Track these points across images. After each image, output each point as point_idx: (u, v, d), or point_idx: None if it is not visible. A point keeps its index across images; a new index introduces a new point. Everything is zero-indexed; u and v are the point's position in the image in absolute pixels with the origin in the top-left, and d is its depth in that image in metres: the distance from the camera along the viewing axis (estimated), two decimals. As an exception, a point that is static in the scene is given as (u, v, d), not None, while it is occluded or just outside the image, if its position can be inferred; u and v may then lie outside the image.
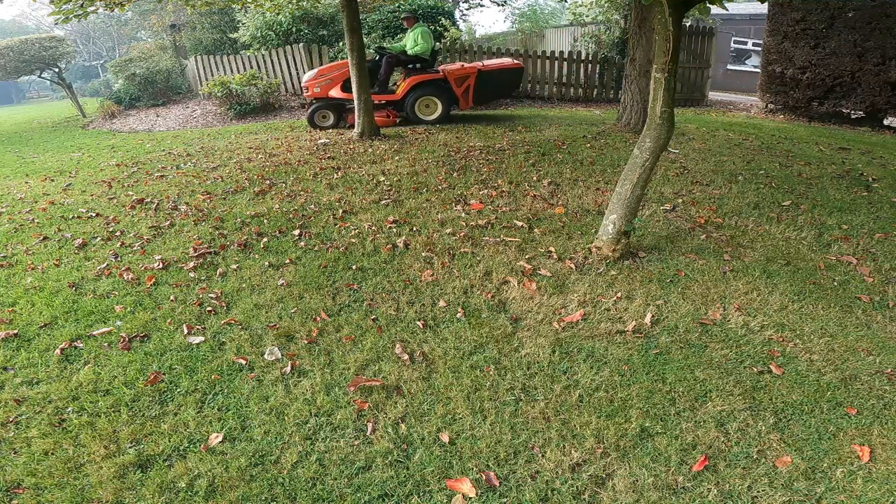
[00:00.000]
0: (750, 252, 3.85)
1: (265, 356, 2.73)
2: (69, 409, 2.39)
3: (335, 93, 8.15)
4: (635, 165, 3.57)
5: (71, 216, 4.63)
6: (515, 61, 9.02)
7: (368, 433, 2.24)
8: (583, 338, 2.88)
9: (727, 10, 3.77)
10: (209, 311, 3.13)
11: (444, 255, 3.75)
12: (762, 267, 3.63)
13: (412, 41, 7.94)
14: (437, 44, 11.09)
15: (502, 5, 19.44)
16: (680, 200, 4.78)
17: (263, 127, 9.15)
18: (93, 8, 5.98)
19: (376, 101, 8.19)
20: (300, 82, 10.25)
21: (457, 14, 17.80)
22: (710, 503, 1.95)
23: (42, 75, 14.45)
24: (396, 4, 11.21)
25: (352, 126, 8.18)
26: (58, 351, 2.76)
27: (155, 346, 2.82)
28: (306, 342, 2.85)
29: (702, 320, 3.04)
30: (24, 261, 3.82)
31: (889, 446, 2.18)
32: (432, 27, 11.39)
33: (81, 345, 2.83)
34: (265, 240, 4.04)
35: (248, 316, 3.09)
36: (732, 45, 16.01)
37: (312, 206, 4.71)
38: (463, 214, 4.46)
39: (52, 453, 2.14)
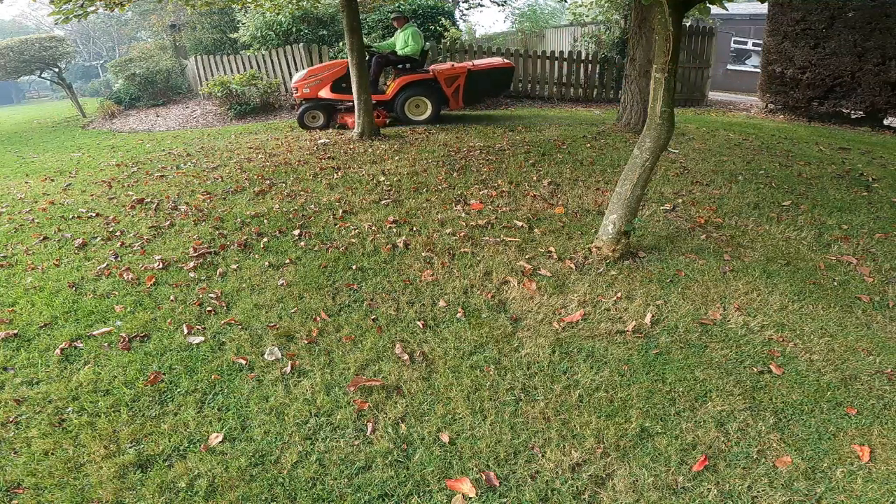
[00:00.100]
0: (750, 252, 3.85)
1: (265, 356, 2.73)
2: (69, 409, 2.39)
3: (325, 93, 8.13)
4: (635, 165, 3.57)
5: (71, 216, 4.64)
6: (506, 61, 9.00)
7: (368, 433, 2.24)
8: (583, 338, 2.88)
9: (727, 10, 3.77)
10: (209, 311, 3.13)
11: (444, 255, 3.75)
12: (762, 267, 3.63)
13: (402, 41, 7.91)
14: (438, 44, 11.10)
15: (502, 5, 19.44)
16: (680, 200, 4.78)
17: (263, 127, 9.14)
18: (93, 8, 5.97)
19: None
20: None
21: (457, 14, 17.80)
22: (710, 503, 1.95)
23: (42, 75, 14.45)
24: (396, 4, 11.21)
25: (342, 127, 8.19)
26: (58, 351, 2.76)
27: (155, 346, 2.82)
28: (306, 342, 2.85)
29: (702, 320, 3.04)
30: (24, 261, 3.82)
31: (889, 446, 2.18)
32: (432, 27, 11.39)
33: (81, 345, 2.83)
34: (265, 240, 4.04)
35: (248, 316, 3.09)
36: (732, 45, 16.01)
37: (312, 206, 4.71)
38: (463, 214, 4.46)
39: (52, 453, 2.14)
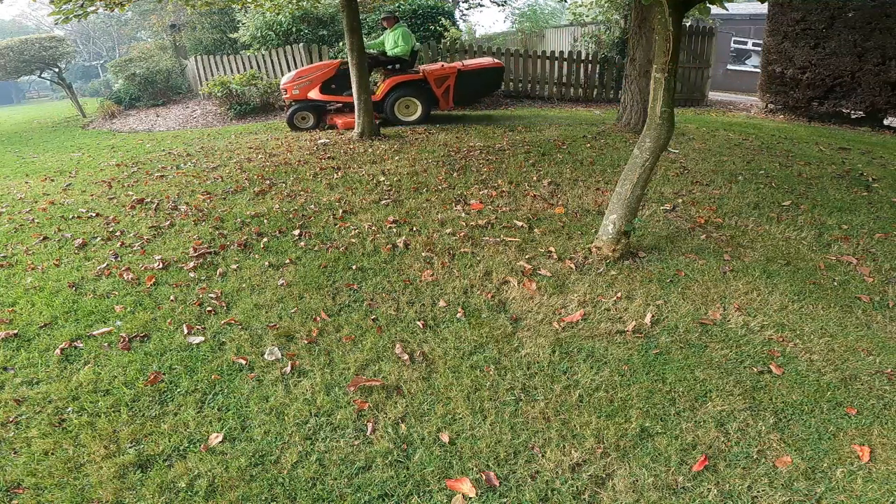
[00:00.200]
0: (750, 252, 3.85)
1: (265, 356, 2.73)
2: (69, 409, 2.39)
3: (314, 94, 8.12)
4: (635, 165, 3.57)
5: (71, 216, 4.63)
6: (495, 61, 8.99)
7: (368, 433, 2.24)
8: (583, 338, 2.88)
9: (727, 10, 3.77)
10: (209, 311, 3.13)
11: (444, 255, 3.75)
12: (762, 267, 3.63)
13: (392, 42, 7.90)
14: (438, 44, 11.10)
15: (502, 5, 19.44)
16: (680, 200, 4.78)
17: (263, 127, 9.15)
18: (93, 8, 5.98)
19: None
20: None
21: (457, 14, 17.81)
22: (710, 503, 1.95)
23: (42, 75, 14.45)
24: (396, 4, 11.21)
25: (331, 127, 8.18)
26: (58, 351, 2.76)
27: (155, 346, 2.82)
28: (306, 342, 2.85)
29: (702, 320, 3.04)
30: (24, 261, 3.82)
31: (889, 446, 2.18)
32: (432, 27, 11.39)
33: (81, 345, 2.83)
34: (265, 240, 4.04)
35: (248, 316, 3.09)
36: (732, 45, 16.00)
37: (312, 206, 4.71)
38: (463, 214, 4.46)
39: (52, 453, 2.14)
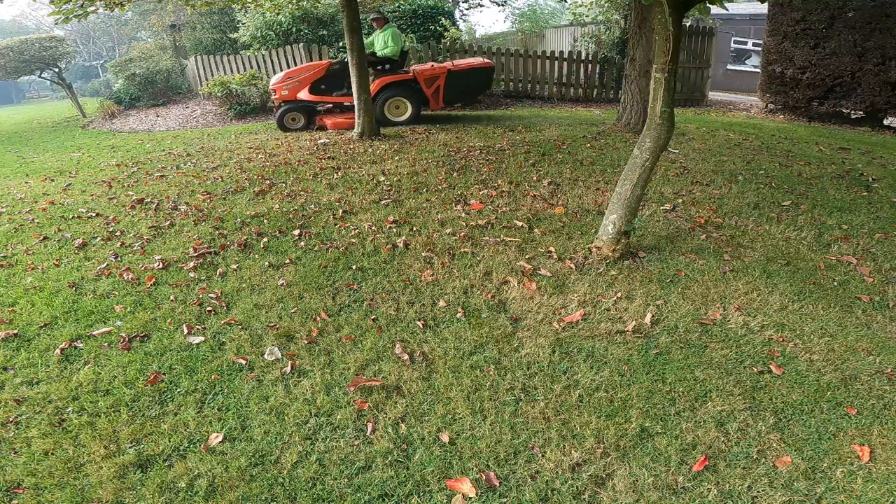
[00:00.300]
0: (750, 252, 3.85)
1: (265, 356, 2.73)
2: (69, 409, 2.39)
3: (303, 95, 8.11)
4: (635, 165, 3.57)
5: (71, 216, 4.63)
6: (485, 61, 9.01)
7: (368, 433, 2.24)
8: (583, 338, 2.88)
9: (727, 10, 3.77)
10: (209, 311, 3.13)
11: (444, 255, 3.75)
12: (762, 267, 3.63)
13: (382, 42, 7.90)
14: (438, 44, 11.10)
15: (502, 5, 19.45)
16: (680, 200, 4.78)
17: (263, 127, 9.14)
18: (93, 8, 5.97)
19: (346, 103, 8.18)
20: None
21: (457, 14, 17.81)
22: (710, 503, 1.95)
23: (42, 75, 14.45)
24: (396, 4, 11.21)
25: (321, 128, 8.18)
26: (58, 351, 2.76)
27: (155, 346, 2.82)
28: (306, 342, 2.85)
29: (702, 320, 3.04)
30: (24, 261, 3.82)
31: (889, 446, 2.18)
32: (432, 27, 11.39)
33: (81, 345, 2.83)
34: (265, 240, 4.04)
35: (248, 316, 3.09)
36: (732, 45, 16.01)
37: (312, 206, 4.71)
38: (463, 214, 4.46)
39: (52, 453, 2.14)
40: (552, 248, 3.82)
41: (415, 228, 4.21)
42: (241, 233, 4.18)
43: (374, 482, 2.02)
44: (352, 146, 6.79)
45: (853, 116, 9.71)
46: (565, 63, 11.52)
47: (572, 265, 3.60)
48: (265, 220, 4.39)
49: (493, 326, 2.97)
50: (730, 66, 15.89)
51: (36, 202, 5.13)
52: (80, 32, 28.45)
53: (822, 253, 3.91)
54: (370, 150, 6.53)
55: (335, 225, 4.30)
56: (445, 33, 11.64)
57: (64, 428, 2.28)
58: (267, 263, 3.68)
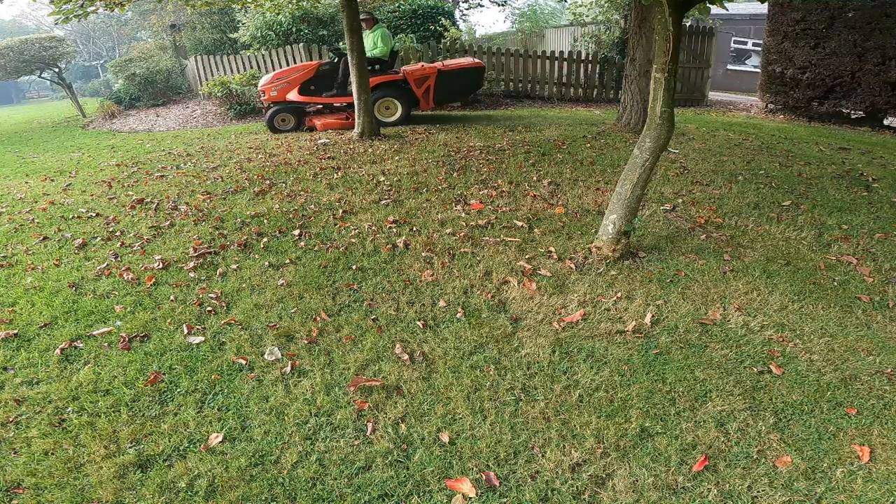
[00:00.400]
0: (750, 252, 3.85)
1: (265, 356, 2.73)
2: (69, 409, 2.39)
3: (292, 96, 8.10)
4: (635, 165, 3.57)
5: (71, 216, 4.63)
6: (476, 61, 9.00)
7: (368, 433, 2.24)
8: (583, 338, 2.88)
9: (727, 10, 3.77)
10: (209, 311, 3.13)
11: (444, 255, 3.75)
12: (762, 267, 3.63)
13: (372, 43, 7.91)
14: (438, 44, 11.10)
15: (502, 5, 19.45)
16: (680, 200, 4.78)
17: (263, 127, 9.13)
18: (93, 8, 5.98)
19: (336, 104, 8.17)
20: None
21: (457, 14, 17.81)
22: (710, 503, 1.95)
23: (42, 75, 14.45)
24: (396, 4, 11.21)
25: (311, 129, 8.18)
26: (58, 351, 2.76)
27: (155, 346, 2.82)
28: (306, 342, 2.85)
29: (702, 320, 3.04)
30: (24, 261, 3.82)
31: (889, 446, 2.18)
32: (432, 27, 11.39)
33: (81, 345, 2.83)
34: (265, 240, 4.04)
35: (248, 316, 3.09)
36: (732, 45, 16.01)
37: (312, 206, 4.71)
38: (463, 214, 4.46)
39: (52, 453, 2.14)
40: (552, 248, 3.82)
41: (415, 228, 4.21)
42: (241, 233, 4.18)
43: (374, 482, 2.02)
44: (352, 146, 6.79)
45: (853, 116, 9.71)
46: (565, 63, 11.52)
47: (572, 265, 3.60)
48: (265, 220, 4.39)
49: (493, 326, 2.97)
50: (730, 66, 15.89)
51: (36, 202, 5.13)
52: (80, 32, 28.45)
53: (822, 253, 3.91)
54: (370, 150, 6.53)
55: (335, 225, 4.30)
56: (445, 33, 11.64)
57: (64, 428, 2.28)
58: (267, 263, 3.68)
